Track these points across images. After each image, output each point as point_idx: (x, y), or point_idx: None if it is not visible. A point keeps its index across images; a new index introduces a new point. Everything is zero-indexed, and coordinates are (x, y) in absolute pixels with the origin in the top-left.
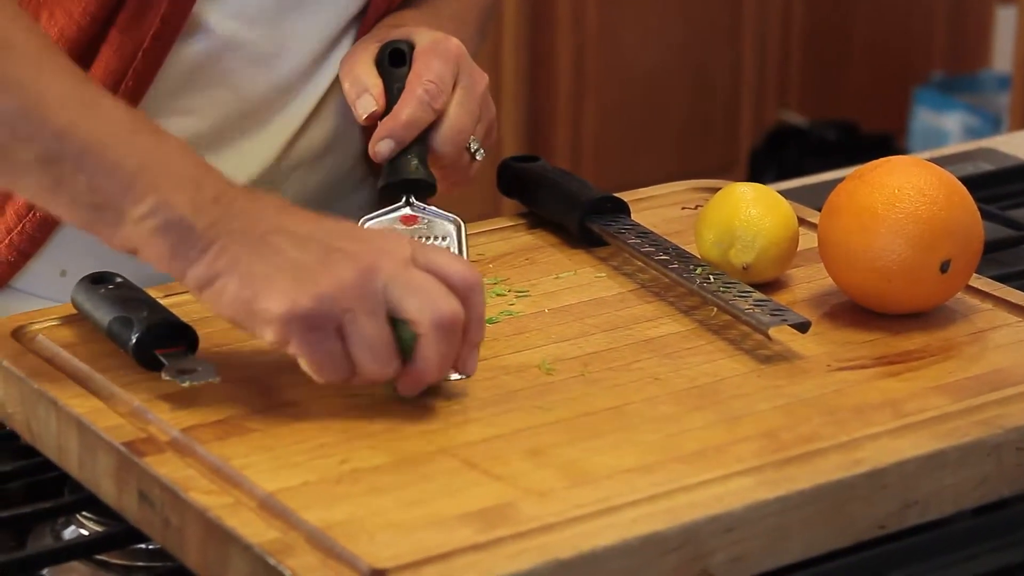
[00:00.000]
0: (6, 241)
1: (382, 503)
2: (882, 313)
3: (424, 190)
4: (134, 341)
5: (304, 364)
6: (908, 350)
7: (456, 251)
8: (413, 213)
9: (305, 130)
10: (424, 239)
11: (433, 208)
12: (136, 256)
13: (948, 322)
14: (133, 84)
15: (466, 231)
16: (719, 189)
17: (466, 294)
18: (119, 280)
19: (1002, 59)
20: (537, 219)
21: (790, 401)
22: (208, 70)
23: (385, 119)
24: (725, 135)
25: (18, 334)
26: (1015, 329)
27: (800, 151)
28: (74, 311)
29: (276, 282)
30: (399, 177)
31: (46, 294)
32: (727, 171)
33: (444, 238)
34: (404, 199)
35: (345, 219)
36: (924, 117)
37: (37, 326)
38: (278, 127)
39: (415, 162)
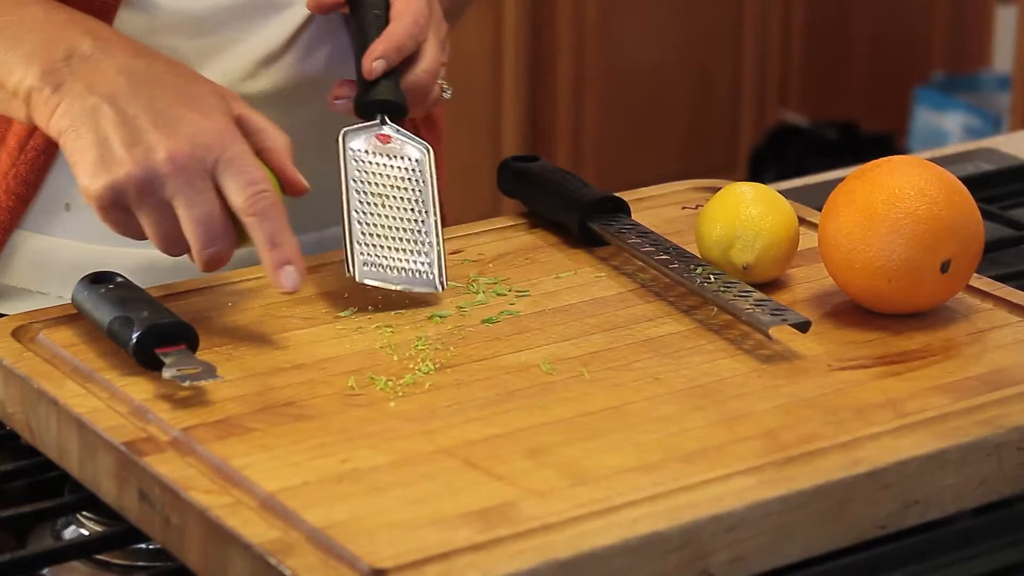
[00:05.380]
0: (2, 187)
1: (382, 503)
2: (882, 313)
3: (398, 112)
4: (134, 341)
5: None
6: (908, 350)
7: (427, 177)
8: (387, 133)
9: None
10: (395, 158)
11: (405, 131)
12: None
13: (948, 322)
14: None
15: (434, 159)
16: (719, 189)
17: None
18: (119, 280)
19: (1002, 59)
20: (537, 219)
21: (790, 401)
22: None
23: (378, 41)
24: (726, 135)
25: (19, 333)
26: (1015, 329)
27: (801, 151)
28: (74, 311)
29: (86, 156)
30: (377, 97)
31: (55, 232)
32: (728, 171)
33: (416, 160)
34: (380, 118)
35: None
36: (924, 117)
37: (38, 326)
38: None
39: (392, 86)
